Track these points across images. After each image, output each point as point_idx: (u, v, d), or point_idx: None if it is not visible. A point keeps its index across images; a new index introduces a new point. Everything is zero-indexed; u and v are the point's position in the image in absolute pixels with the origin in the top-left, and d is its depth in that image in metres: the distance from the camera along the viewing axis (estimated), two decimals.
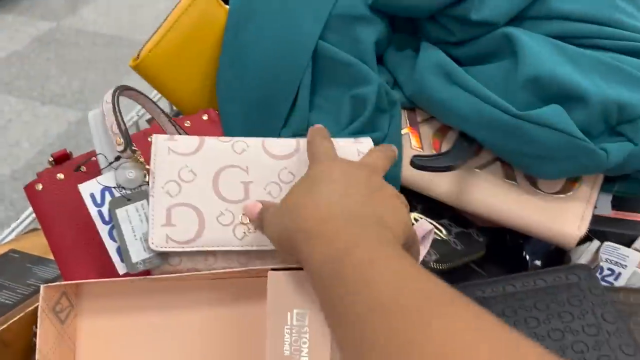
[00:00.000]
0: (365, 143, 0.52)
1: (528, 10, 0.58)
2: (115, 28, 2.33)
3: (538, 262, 0.59)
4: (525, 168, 0.55)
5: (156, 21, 0.62)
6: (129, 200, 0.48)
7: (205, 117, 0.60)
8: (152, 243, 0.45)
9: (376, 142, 0.56)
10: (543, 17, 0.58)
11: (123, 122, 0.48)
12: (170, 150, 0.48)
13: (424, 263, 0.52)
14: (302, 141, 0.51)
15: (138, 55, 0.61)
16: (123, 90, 0.51)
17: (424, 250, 0.51)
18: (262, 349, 0.44)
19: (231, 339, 0.50)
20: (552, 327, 0.45)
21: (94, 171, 0.51)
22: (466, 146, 0.54)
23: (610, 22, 0.57)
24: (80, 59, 2.18)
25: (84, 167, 0.53)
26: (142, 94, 0.54)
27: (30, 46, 2.25)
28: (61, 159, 0.55)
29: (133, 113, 0.83)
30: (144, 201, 0.48)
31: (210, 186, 0.48)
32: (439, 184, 0.57)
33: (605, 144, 0.50)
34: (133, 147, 0.48)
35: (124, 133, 0.48)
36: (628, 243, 0.56)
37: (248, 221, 0.48)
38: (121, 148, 0.47)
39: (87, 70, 2.10)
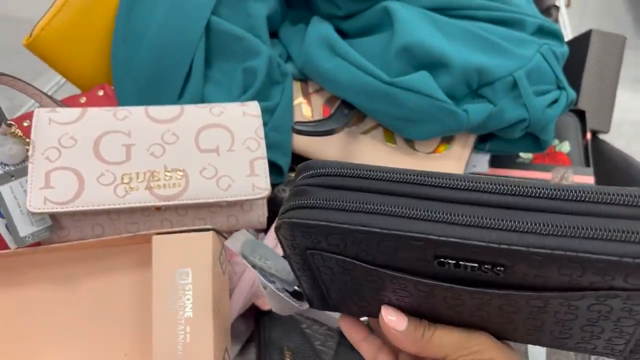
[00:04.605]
0: (251, 106, 0.55)
1: None
2: (41, 14, 2.24)
3: None
4: (399, 131, 0.59)
5: None
6: (12, 176, 0.49)
7: (100, 93, 0.61)
8: (30, 205, 0.47)
9: (268, 111, 0.59)
10: None
11: None
12: (51, 121, 0.49)
13: None
14: (187, 107, 0.54)
15: (31, 33, 0.62)
16: None
17: None
18: (150, 311, 0.46)
19: (124, 304, 0.53)
20: None
21: None
22: (346, 113, 0.58)
23: None
24: (5, 46, 2.09)
25: None
26: (17, 79, 0.54)
27: None
28: None
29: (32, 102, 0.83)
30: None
31: (90, 150, 0.49)
32: (327, 150, 0.61)
33: (467, 105, 0.55)
34: (8, 122, 0.49)
35: None
36: None
37: (129, 181, 0.49)
38: None
39: (14, 58, 2.02)
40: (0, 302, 0.52)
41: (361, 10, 0.63)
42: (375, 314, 0.33)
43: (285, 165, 0.60)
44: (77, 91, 0.77)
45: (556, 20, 0.99)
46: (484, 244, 0.24)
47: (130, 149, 0.50)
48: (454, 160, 0.59)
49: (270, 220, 0.56)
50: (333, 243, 0.28)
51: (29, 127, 0.55)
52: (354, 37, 0.64)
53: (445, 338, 0.31)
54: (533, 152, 0.66)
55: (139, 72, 0.61)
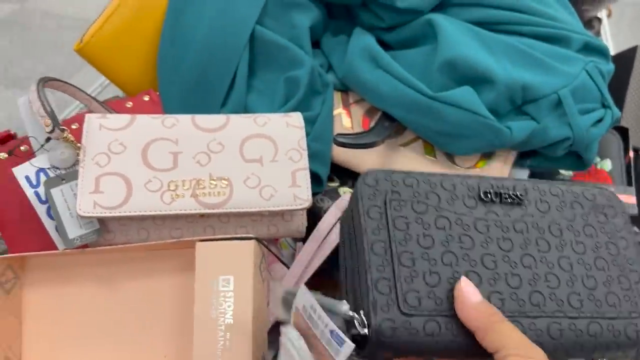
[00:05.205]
0: (294, 117, 0.56)
1: None
2: (82, 10, 2.30)
3: None
4: (440, 145, 0.59)
5: None
6: (63, 179, 0.51)
7: (146, 98, 0.63)
8: (80, 209, 0.48)
9: (309, 121, 0.60)
10: (464, 4, 0.62)
11: (49, 105, 0.51)
12: (101, 127, 0.51)
13: None
14: (232, 116, 0.55)
15: (81, 39, 0.64)
16: (47, 80, 0.53)
17: None
18: (191, 315, 0.48)
19: (165, 307, 0.54)
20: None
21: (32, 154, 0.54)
22: (387, 125, 0.59)
23: (524, 9, 0.61)
24: (46, 42, 2.15)
25: (25, 147, 0.55)
26: (68, 84, 0.56)
27: None
28: (5, 139, 0.57)
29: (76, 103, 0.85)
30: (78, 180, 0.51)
31: (138, 157, 0.51)
32: (367, 161, 0.61)
33: (511, 122, 0.55)
34: (61, 127, 0.50)
35: (50, 114, 0.50)
36: None
37: (175, 188, 0.50)
38: (49, 129, 0.50)
39: (54, 53, 2.08)
40: (44, 301, 0.54)
41: (404, 23, 0.64)
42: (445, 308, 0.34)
43: (325, 175, 0.61)
44: (120, 92, 0.79)
45: (598, 33, 0.98)
46: None
47: (177, 157, 0.51)
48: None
49: (308, 230, 0.57)
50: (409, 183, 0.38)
51: (77, 129, 0.57)
52: (396, 48, 0.65)
53: (510, 331, 0.32)
54: (574, 170, 0.65)
55: (185, 78, 0.63)
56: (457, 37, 0.58)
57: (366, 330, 0.34)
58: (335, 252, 0.55)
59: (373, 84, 0.59)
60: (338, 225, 0.55)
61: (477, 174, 0.47)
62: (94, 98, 0.58)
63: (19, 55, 2.06)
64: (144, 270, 0.54)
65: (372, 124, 0.63)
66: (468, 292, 0.34)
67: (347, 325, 0.35)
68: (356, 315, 0.34)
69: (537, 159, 0.62)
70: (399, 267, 0.35)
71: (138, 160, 0.51)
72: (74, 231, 0.51)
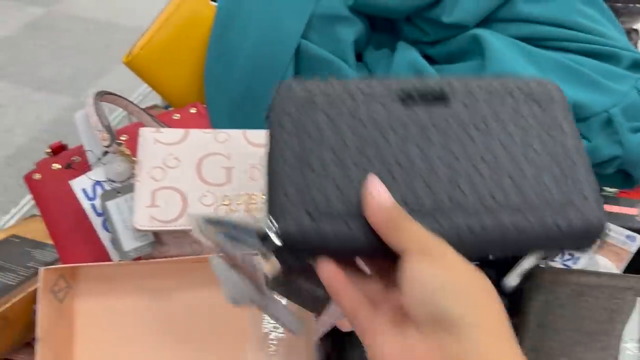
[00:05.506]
0: None
1: (496, 13, 0.62)
2: (108, 14, 2.33)
3: None
4: None
5: (148, 7, 0.65)
6: (118, 192, 0.52)
7: (193, 111, 0.64)
8: (137, 223, 0.49)
9: None
10: (510, 19, 0.62)
11: (105, 119, 0.52)
12: (156, 141, 0.52)
13: None
14: None
15: (130, 52, 0.65)
16: (103, 94, 0.54)
17: None
18: (243, 328, 0.48)
19: (217, 320, 0.55)
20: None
21: (86, 166, 0.55)
22: None
23: (572, 25, 0.61)
24: (72, 45, 2.19)
25: (77, 157, 0.56)
26: (121, 97, 0.57)
27: (21, 32, 2.26)
28: (58, 149, 0.59)
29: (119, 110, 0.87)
30: (133, 193, 0.52)
31: (193, 171, 0.52)
32: None
33: None
34: (118, 141, 0.51)
35: (108, 129, 0.51)
36: None
37: (229, 203, 0.51)
38: (107, 143, 0.51)
39: (80, 56, 2.11)
40: (96, 310, 0.55)
41: (449, 37, 0.64)
42: (353, 211, 0.33)
43: None
44: (158, 100, 0.80)
45: (635, 44, 0.97)
46: None
47: (230, 172, 0.52)
48: None
49: None
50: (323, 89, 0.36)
51: (127, 141, 0.58)
52: (440, 63, 0.65)
53: (411, 228, 0.31)
54: (622, 189, 0.65)
55: (231, 93, 0.64)
56: (505, 53, 0.58)
57: (275, 236, 0.33)
58: None
59: None
60: None
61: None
62: (144, 110, 0.59)
63: (46, 58, 2.09)
64: (196, 283, 0.55)
65: None
66: (375, 192, 0.33)
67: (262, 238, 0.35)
68: (268, 222, 0.34)
69: None
70: (309, 173, 0.34)
71: (193, 175, 0.52)
72: (129, 243, 0.52)
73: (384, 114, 0.37)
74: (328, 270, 0.34)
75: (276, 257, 0.34)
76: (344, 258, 0.35)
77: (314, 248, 0.34)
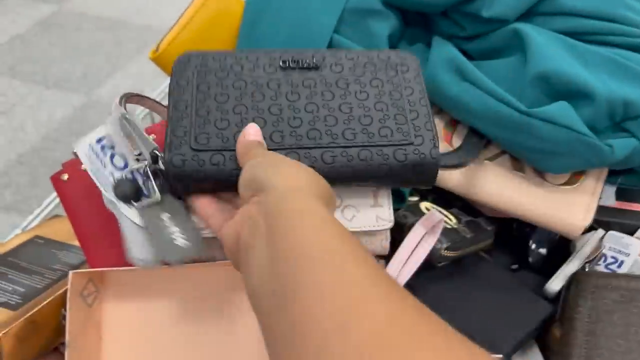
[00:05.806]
0: (385, 207, 0.51)
1: (538, 6, 0.60)
2: (118, 12, 2.32)
3: (543, 251, 0.61)
4: (533, 162, 0.57)
5: (158, 5, 0.63)
6: None
7: None
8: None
9: None
10: (552, 13, 0.60)
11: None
12: None
13: (435, 250, 0.54)
14: None
15: (157, 47, 0.63)
16: (128, 96, 0.53)
17: (434, 238, 0.53)
18: None
19: (246, 324, 0.53)
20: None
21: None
22: (475, 142, 0.56)
23: (618, 18, 0.58)
24: (83, 43, 2.17)
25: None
26: (146, 97, 0.55)
27: (32, 30, 2.24)
28: None
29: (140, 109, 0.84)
30: None
31: None
32: (450, 177, 0.59)
33: (611, 139, 0.52)
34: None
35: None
36: (631, 232, 0.58)
37: None
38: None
39: (91, 54, 2.10)
40: (124, 315, 0.53)
41: (487, 32, 0.61)
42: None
43: (407, 191, 0.59)
44: None
45: None
46: None
47: None
48: (587, 195, 0.56)
49: (392, 246, 0.55)
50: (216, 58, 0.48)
51: (155, 141, 0.56)
52: (477, 58, 0.62)
53: (260, 150, 0.41)
54: None
55: None
56: (549, 48, 0.55)
57: (162, 163, 0.44)
58: (420, 270, 0.53)
59: (460, 98, 0.57)
60: (423, 242, 0.53)
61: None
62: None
63: (57, 56, 2.08)
64: (225, 287, 0.53)
65: (454, 137, 0.61)
66: (246, 130, 0.42)
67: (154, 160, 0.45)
68: (156, 153, 0.45)
69: (630, 177, 0.59)
70: (195, 117, 0.44)
71: None
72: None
73: (264, 76, 0.47)
74: (199, 200, 0.44)
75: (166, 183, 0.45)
76: (217, 189, 0.44)
77: (191, 173, 0.42)
